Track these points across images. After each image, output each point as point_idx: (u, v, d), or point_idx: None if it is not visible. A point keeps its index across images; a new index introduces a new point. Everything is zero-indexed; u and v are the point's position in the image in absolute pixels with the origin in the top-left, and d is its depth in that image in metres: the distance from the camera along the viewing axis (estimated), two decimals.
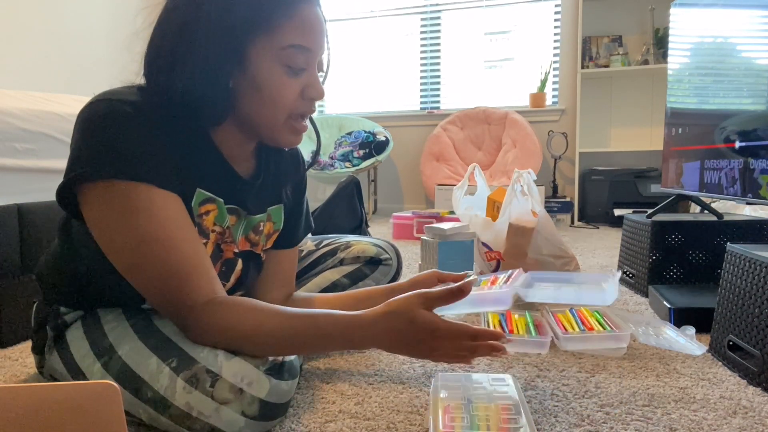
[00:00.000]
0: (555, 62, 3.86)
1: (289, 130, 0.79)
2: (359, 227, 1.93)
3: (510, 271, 1.14)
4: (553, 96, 3.89)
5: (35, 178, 1.25)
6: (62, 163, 1.22)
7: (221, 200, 0.80)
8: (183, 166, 0.74)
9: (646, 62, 3.53)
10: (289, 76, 0.75)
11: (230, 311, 0.71)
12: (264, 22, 0.72)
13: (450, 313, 0.83)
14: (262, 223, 0.89)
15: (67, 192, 0.72)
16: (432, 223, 2.17)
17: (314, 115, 0.91)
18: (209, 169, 0.78)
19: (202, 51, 0.71)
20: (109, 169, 0.68)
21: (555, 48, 3.86)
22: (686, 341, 1.08)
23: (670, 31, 1.65)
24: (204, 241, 0.79)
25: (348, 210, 1.91)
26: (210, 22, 0.71)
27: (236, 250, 0.85)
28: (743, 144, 1.15)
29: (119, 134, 0.68)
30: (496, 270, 1.68)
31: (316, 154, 0.96)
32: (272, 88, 0.74)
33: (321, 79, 0.83)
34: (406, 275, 1.88)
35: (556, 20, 3.85)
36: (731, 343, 0.98)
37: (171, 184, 0.71)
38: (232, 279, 0.86)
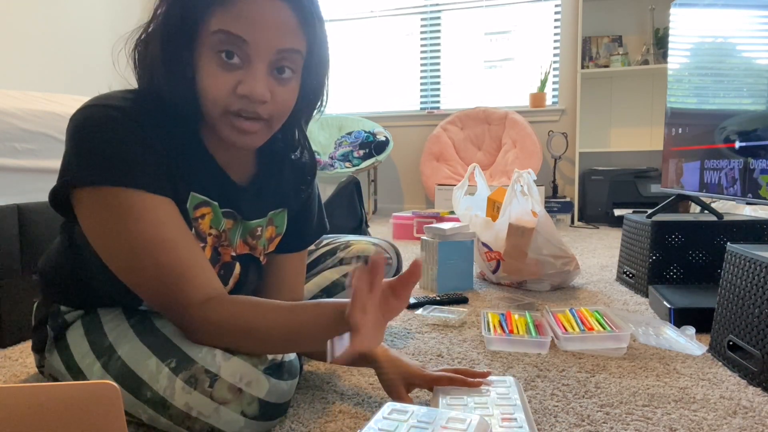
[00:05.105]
0: (555, 62, 3.86)
1: (229, 128, 0.71)
2: (359, 227, 1.93)
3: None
4: (553, 96, 3.89)
5: (35, 178, 1.25)
6: None
7: (216, 204, 0.80)
8: (175, 169, 0.73)
9: (646, 62, 3.53)
10: (219, 66, 0.68)
11: (226, 307, 0.70)
12: (203, 6, 0.68)
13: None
14: (260, 228, 0.88)
15: (61, 196, 0.72)
16: (432, 223, 2.18)
17: (315, 115, 0.87)
18: (201, 173, 0.77)
19: (158, 40, 0.70)
20: (97, 176, 0.68)
21: (555, 48, 3.86)
22: (686, 341, 1.08)
23: (670, 31, 1.65)
24: (201, 245, 0.79)
25: (348, 210, 1.91)
26: (163, 7, 0.70)
27: (234, 254, 0.85)
28: (743, 144, 1.15)
29: (107, 140, 0.68)
30: (495, 270, 1.68)
31: (313, 176, 0.93)
32: (203, 77, 0.70)
33: (315, 86, 0.79)
34: None
35: (556, 20, 3.85)
36: (731, 343, 0.98)
37: (162, 188, 0.70)
38: (231, 282, 0.86)
